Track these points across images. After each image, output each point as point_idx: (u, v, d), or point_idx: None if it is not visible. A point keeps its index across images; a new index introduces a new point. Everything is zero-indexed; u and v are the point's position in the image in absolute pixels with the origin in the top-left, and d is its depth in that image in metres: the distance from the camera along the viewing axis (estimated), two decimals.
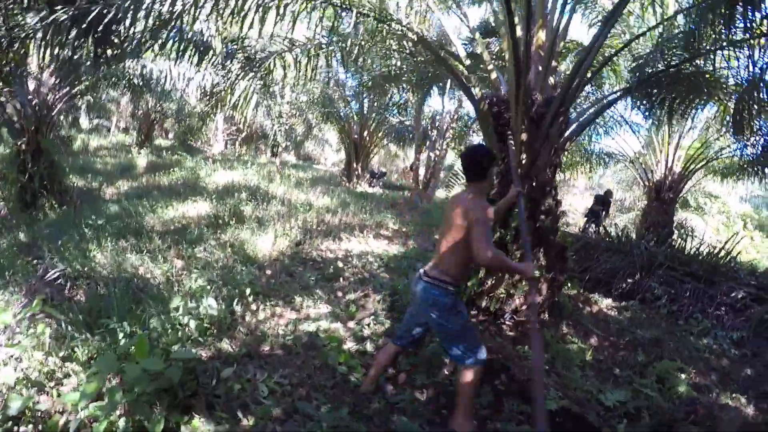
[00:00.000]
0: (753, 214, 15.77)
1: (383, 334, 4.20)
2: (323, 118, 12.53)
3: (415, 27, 5.03)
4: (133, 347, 2.72)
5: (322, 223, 8.08)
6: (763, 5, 4.22)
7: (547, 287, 4.85)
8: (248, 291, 4.58)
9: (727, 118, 6.50)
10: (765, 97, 5.09)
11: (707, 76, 5.68)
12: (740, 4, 4.00)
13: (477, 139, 13.78)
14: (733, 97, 6.01)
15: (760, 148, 7.65)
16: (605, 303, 5.97)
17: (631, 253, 6.85)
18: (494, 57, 5.47)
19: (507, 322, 4.83)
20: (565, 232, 4.78)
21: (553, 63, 4.79)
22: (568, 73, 5.32)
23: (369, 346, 3.97)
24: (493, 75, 5.05)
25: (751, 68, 5.18)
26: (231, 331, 3.89)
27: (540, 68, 4.64)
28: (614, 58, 6.45)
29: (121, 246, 5.64)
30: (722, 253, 6.92)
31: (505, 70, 5.14)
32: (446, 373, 3.59)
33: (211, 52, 5.75)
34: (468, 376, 2.78)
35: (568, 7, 4.88)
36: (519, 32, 4.24)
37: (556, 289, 4.98)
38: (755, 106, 5.25)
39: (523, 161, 4.96)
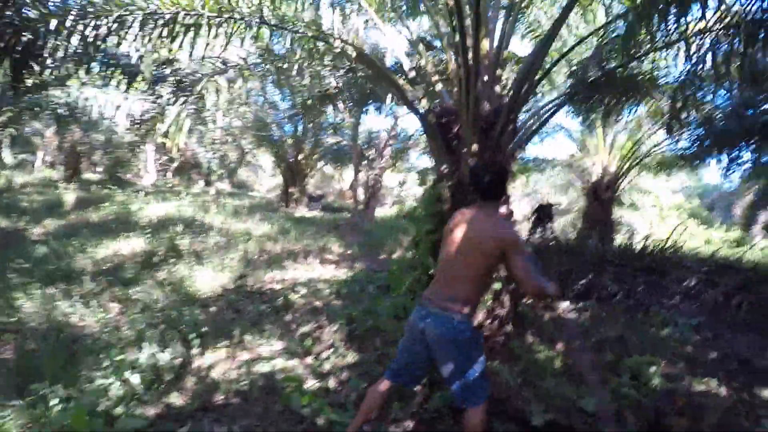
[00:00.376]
0: (685, 204, 16.97)
1: (345, 367, 4.00)
2: (257, 143, 12.16)
3: (353, 42, 4.97)
4: (69, 419, 2.36)
5: (264, 252, 7.75)
6: (692, 7, 4.41)
7: (509, 298, 4.88)
8: (193, 334, 4.23)
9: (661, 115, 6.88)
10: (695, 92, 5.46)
11: (641, 76, 6.00)
12: (674, 5, 4.18)
13: (413, 156, 14.00)
14: (665, 95, 6.31)
15: (691, 141, 8.18)
16: (563, 306, 6.08)
17: (582, 253, 7.04)
18: (435, 70, 5.49)
19: None
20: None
21: (498, 72, 4.88)
22: (509, 82, 5.44)
23: (332, 382, 3.76)
24: (438, 86, 5.07)
25: (681, 66, 5.47)
26: (179, 381, 3.54)
27: (486, 78, 4.71)
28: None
29: (50, 293, 5.06)
30: (668, 244, 7.25)
31: (447, 82, 5.18)
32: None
33: (140, 77, 5.37)
34: (479, 415, 2.45)
35: (510, 18, 5.01)
36: (468, 41, 4.25)
37: (518, 299, 5.03)
38: (687, 102, 5.54)
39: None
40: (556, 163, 13.31)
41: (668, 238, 7.58)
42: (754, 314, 5.79)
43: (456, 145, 4.94)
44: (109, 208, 10.17)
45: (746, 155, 8.32)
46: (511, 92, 4.75)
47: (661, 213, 16.25)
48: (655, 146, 10.68)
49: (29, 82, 3.82)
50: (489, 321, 4.73)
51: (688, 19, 4.39)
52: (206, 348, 4.19)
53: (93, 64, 4.53)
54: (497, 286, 4.86)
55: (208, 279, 5.99)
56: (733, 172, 8.92)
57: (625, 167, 11.24)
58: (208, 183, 16.04)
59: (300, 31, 4.75)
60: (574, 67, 6.13)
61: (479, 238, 2.39)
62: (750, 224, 12.76)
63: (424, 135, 5.43)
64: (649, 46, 5.08)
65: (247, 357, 4.16)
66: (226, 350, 4.22)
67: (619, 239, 8.34)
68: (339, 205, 16.65)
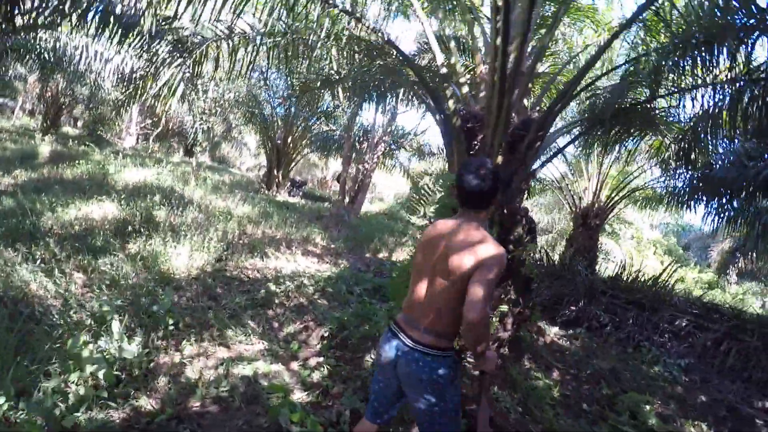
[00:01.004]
0: (662, 240, 17.28)
1: (337, 379, 3.60)
2: (245, 120, 11.53)
3: (382, 28, 4.56)
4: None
5: (245, 235, 7.25)
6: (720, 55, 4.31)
7: (512, 322, 4.58)
8: (166, 322, 3.76)
9: (668, 150, 6.83)
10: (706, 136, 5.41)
11: (657, 112, 5.87)
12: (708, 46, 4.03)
13: (404, 156, 13.62)
14: (673, 133, 6.30)
15: (684, 182, 8.14)
16: (553, 331, 5.89)
17: (574, 279, 6.89)
18: (464, 72, 5.14)
19: (469, 359, 4.50)
20: (530, 262, 4.54)
21: (529, 85, 4.57)
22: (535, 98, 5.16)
23: (322, 396, 3.35)
24: (464, 89, 4.71)
25: (698, 108, 5.43)
26: (149, 379, 3.07)
27: (518, 89, 4.38)
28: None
29: (8, 256, 4.46)
30: (659, 281, 7.22)
31: (474, 86, 4.83)
32: None
33: (137, 30, 4.80)
34: None
35: (548, 33, 4.70)
36: (510, 46, 3.92)
37: (521, 323, 4.73)
38: (694, 145, 5.53)
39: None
40: (546, 183, 13.18)
41: (660, 275, 7.50)
42: (741, 361, 5.74)
43: (478, 153, 4.61)
44: (84, 166, 9.41)
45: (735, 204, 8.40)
46: (546, 107, 4.47)
47: (638, 245, 16.46)
48: (654, 180, 10.63)
49: (18, 21, 3.26)
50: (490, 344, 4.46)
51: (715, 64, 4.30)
52: (180, 340, 3.72)
53: (88, 8, 3.96)
54: (504, 308, 4.60)
55: (184, 258, 5.46)
56: (719, 216, 8.91)
57: (616, 197, 11.19)
58: (188, 153, 15.20)
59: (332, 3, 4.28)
60: (600, 94, 5.90)
61: (461, 253, 1.88)
62: (726, 269, 12.96)
63: (445, 138, 5.03)
64: (672, 84, 4.99)
65: (226, 355, 3.71)
66: (202, 344, 3.76)
67: (604, 267, 8.23)
68: (320, 194, 16.13)
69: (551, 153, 5.35)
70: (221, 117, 10.41)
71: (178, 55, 4.94)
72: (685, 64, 4.46)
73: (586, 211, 11.83)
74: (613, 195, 11.41)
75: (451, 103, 4.61)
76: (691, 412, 4.50)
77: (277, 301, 5.02)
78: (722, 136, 5.86)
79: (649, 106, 5.67)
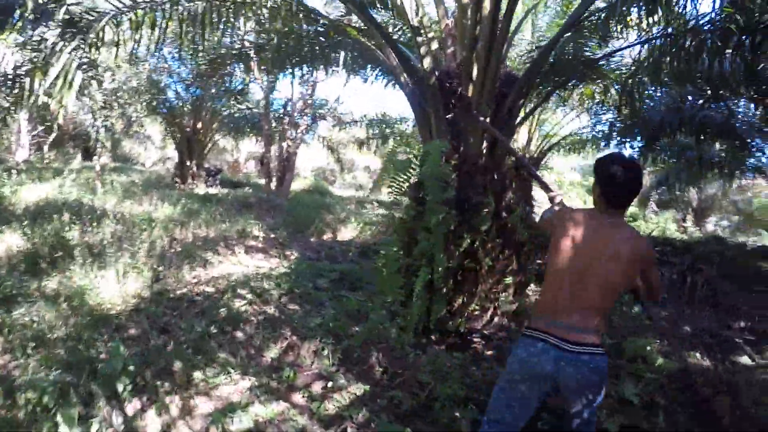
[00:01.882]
0: (582, 182, 18.15)
1: (357, 403, 2.99)
2: (148, 110, 9.92)
3: None
4: None
5: (175, 242, 6.20)
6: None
7: (514, 291, 4.22)
8: (123, 382, 2.88)
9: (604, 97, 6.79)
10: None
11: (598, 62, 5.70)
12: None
13: (323, 128, 12.65)
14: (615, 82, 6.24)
15: (615, 125, 8.30)
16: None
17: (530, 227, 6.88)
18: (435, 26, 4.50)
19: (479, 341, 4.11)
20: (521, 227, 4.18)
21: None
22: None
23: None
24: (434, 45, 4.09)
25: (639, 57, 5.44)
26: None
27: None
28: None
29: None
30: None
31: (442, 42, 4.22)
32: None
33: (17, 13, 3.59)
34: None
35: None
36: None
37: (521, 290, 4.39)
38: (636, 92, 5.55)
39: (484, 149, 4.18)
40: None
41: (635, 219, 7.61)
42: (707, 291, 5.93)
43: (460, 114, 4.06)
44: None
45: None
46: (529, 64, 4.02)
47: (561, 188, 17.15)
48: (581, 128, 10.84)
49: None
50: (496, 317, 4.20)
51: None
52: (146, 401, 2.88)
53: None
54: (508, 280, 4.26)
55: (114, 285, 4.43)
56: (645, 154, 9.29)
57: (546, 146, 11.32)
58: (88, 156, 12.99)
59: None
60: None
61: (627, 255, 1.90)
62: (647, 201, 13.92)
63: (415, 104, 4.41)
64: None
65: (210, 407, 2.94)
66: (174, 403, 2.93)
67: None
68: (237, 180, 14.79)
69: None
70: (120, 111, 8.79)
71: (70, 37, 3.78)
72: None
73: (518, 162, 11.89)
74: (543, 144, 11.53)
75: (427, 61, 3.95)
76: (682, 343, 4.53)
77: (242, 317, 4.21)
78: (658, 84, 5.90)
79: (593, 57, 5.53)
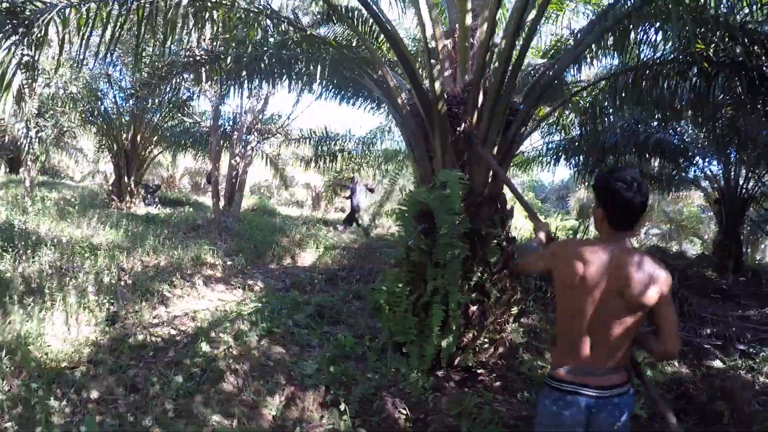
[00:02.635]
0: (535, 200, 18.73)
1: None
2: (83, 120, 8.75)
3: None
4: None
5: (124, 273, 5.40)
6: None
7: (514, 319, 4.01)
8: None
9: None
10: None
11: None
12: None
13: (268, 144, 11.98)
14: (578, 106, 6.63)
15: (563, 144, 8.68)
16: None
17: None
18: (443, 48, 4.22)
19: (483, 373, 3.93)
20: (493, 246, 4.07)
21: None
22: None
23: None
24: (438, 67, 3.83)
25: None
26: None
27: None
28: None
29: None
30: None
31: (440, 63, 3.96)
32: None
33: None
34: None
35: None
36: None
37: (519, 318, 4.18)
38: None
39: (489, 179, 3.95)
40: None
41: (576, 232, 7.78)
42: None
43: (465, 144, 3.82)
44: None
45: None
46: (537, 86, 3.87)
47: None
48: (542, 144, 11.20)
49: None
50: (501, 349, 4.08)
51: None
52: None
53: None
54: (515, 310, 4.08)
55: (62, 330, 3.69)
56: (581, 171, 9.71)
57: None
58: (12, 169, 11.30)
59: None
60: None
61: (643, 285, 1.71)
62: (586, 214, 14.62)
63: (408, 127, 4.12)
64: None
65: None
66: None
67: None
68: (175, 197, 13.64)
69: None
70: (53, 119, 7.66)
71: (11, 30, 3.11)
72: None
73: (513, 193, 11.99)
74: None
75: (437, 85, 3.66)
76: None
77: (221, 365, 3.63)
78: (618, 109, 6.20)
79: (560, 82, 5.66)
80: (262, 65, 5.63)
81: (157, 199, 11.03)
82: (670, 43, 4.84)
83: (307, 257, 8.61)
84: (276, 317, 4.75)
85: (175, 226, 8.29)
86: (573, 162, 9.11)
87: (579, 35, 4.90)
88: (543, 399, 1.87)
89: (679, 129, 7.91)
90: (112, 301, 4.45)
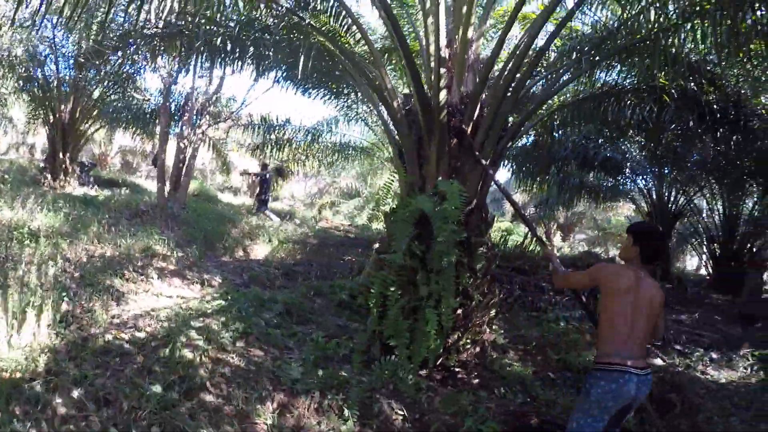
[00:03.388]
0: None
1: None
2: (17, 87, 7.54)
3: None
4: None
5: (69, 263, 4.78)
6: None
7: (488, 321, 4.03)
8: None
9: None
10: None
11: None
12: None
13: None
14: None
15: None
16: None
17: None
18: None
19: (465, 374, 3.96)
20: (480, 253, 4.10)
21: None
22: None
23: None
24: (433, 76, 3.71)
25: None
26: None
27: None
28: None
29: None
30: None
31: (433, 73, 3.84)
32: None
33: None
34: None
35: None
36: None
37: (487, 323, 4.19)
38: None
39: (478, 189, 3.90)
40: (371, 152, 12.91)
41: (524, 240, 8.01)
42: None
43: (464, 154, 3.73)
44: None
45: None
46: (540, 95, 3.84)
47: None
48: None
49: None
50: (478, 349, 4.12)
51: None
52: None
53: None
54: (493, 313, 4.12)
55: (6, 334, 3.16)
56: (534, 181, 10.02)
57: None
58: None
59: None
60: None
61: (659, 299, 2.44)
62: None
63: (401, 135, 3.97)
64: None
65: None
66: None
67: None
68: (109, 177, 12.39)
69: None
70: None
71: None
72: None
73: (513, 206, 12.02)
74: None
75: (443, 95, 3.52)
76: None
77: (201, 372, 3.30)
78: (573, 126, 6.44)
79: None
80: (229, 45, 5.16)
81: (92, 179, 9.97)
82: (634, 73, 5.03)
83: (259, 250, 8.19)
84: (244, 316, 4.42)
85: (117, 210, 7.50)
86: (513, 167, 9.40)
87: (561, 60, 4.97)
88: (602, 379, 2.32)
89: (621, 147, 8.35)
90: (63, 297, 3.90)
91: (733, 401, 3.98)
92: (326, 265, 7.43)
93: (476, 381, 3.91)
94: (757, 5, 3.10)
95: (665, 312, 2.55)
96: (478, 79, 3.64)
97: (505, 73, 3.58)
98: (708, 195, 9.65)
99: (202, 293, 5.24)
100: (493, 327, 4.39)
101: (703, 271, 15.13)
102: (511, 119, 4.62)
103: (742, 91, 4.99)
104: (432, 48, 3.67)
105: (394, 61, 5.44)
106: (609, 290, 2.41)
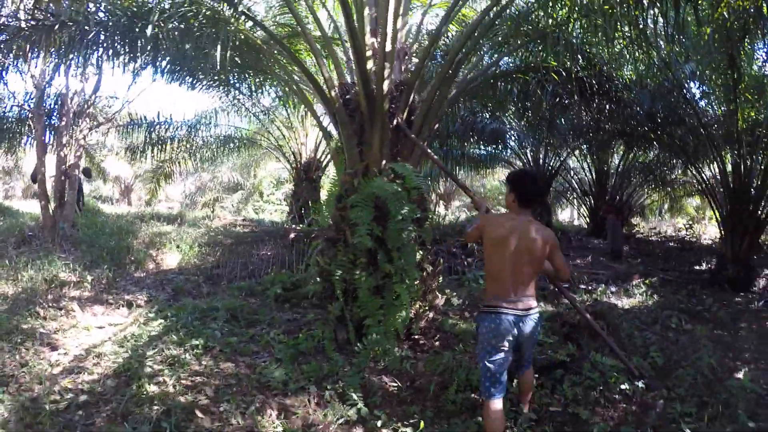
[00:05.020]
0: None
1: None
2: None
3: None
4: None
5: None
6: None
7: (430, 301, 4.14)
8: None
9: None
10: None
11: None
12: None
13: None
14: None
15: None
16: None
17: None
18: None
19: (425, 339, 4.08)
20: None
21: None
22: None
23: None
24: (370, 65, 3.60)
25: None
26: None
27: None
28: None
29: None
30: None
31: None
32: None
33: None
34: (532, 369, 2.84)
35: None
36: None
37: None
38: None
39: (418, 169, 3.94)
40: (261, 143, 12.23)
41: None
42: None
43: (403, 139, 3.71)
44: None
45: None
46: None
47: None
48: None
49: None
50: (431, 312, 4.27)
51: None
52: None
53: None
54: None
55: None
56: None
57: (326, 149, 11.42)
58: None
59: None
60: None
61: (539, 242, 2.44)
62: None
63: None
64: None
65: None
66: None
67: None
68: None
69: None
70: None
71: None
72: None
73: (307, 166, 11.61)
74: (326, 149, 11.52)
75: (386, 84, 3.41)
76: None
77: (182, 400, 2.92)
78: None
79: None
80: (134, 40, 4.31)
81: None
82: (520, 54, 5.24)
83: (169, 259, 7.34)
84: (195, 331, 3.99)
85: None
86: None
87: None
88: (483, 320, 2.46)
89: (503, 119, 8.85)
90: None
91: (641, 320, 4.70)
92: (244, 264, 6.89)
93: (437, 343, 4.02)
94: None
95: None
96: (413, 68, 3.59)
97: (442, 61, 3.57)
98: (580, 156, 10.81)
99: (134, 316, 4.55)
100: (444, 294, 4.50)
101: (576, 222, 17.14)
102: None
103: (612, 68, 5.48)
104: (375, 40, 3.52)
105: (325, 54, 5.04)
106: (487, 240, 2.48)
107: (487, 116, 7.97)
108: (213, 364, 3.45)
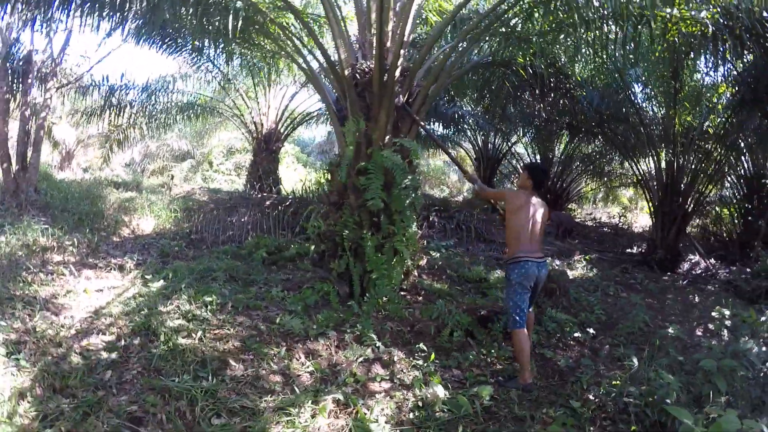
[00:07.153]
0: (300, 154, 18.36)
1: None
2: None
3: None
4: None
5: None
6: None
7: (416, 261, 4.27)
8: None
9: None
10: None
11: None
12: None
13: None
14: None
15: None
16: None
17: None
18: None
19: (410, 294, 4.19)
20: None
21: None
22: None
23: None
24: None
25: None
26: None
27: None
28: None
29: None
30: None
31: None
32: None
33: None
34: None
35: None
36: None
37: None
38: None
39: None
40: (221, 112, 11.39)
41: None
42: (469, 232, 7.22)
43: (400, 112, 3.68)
44: None
45: None
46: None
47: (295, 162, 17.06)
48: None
49: None
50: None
51: None
52: None
53: None
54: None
55: None
56: None
57: (290, 122, 10.96)
58: None
59: None
60: None
61: (545, 210, 3.09)
62: None
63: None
64: None
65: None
66: None
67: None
68: None
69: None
70: None
71: None
72: None
73: (268, 136, 11.04)
74: (287, 120, 11.05)
75: (389, 60, 3.32)
76: (488, 261, 5.85)
77: (215, 352, 2.80)
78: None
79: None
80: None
81: None
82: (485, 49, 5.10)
83: (144, 225, 6.76)
84: (201, 289, 3.78)
85: None
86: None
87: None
88: (514, 269, 2.90)
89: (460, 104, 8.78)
90: None
91: (585, 287, 5.16)
92: (222, 229, 6.53)
93: (420, 298, 4.13)
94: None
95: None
96: (417, 56, 3.55)
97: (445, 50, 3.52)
98: (526, 142, 10.82)
99: (130, 279, 4.21)
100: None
101: None
102: None
103: (567, 65, 5.48)
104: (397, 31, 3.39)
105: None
106: (511, 207, 3.02)
107: (446, 101, 7.93)
108: (230, 318, 3.31)
